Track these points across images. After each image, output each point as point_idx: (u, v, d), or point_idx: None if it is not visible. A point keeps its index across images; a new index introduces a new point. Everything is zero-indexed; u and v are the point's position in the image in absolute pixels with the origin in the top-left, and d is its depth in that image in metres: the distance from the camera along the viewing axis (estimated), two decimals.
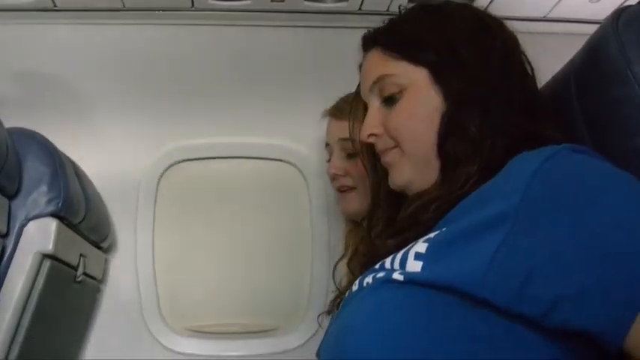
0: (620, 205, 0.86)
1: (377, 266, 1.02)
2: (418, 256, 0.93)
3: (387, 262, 0.99)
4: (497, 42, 1.16)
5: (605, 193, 0.87)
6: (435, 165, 1.14)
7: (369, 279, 1.01)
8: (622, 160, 0.98)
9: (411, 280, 0.91)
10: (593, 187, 0.88)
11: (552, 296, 0.82)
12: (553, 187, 0.87)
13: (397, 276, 0.93)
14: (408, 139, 1.18)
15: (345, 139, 1.80)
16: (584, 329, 0.82)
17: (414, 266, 0.92)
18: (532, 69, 1.18)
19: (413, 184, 1.18)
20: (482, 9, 1.24)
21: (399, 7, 1.31)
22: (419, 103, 1.17)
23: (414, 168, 1.17)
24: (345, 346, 0.93)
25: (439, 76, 1.15)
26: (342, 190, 1.88)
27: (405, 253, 0.96)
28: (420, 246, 0.94)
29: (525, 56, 1.19)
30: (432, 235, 0.96)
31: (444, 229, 0.95)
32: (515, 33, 1.21)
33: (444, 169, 1.12)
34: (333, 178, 1.89)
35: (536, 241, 0.85)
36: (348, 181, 1.85)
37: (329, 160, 1.94)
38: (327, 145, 1.96)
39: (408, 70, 1.19)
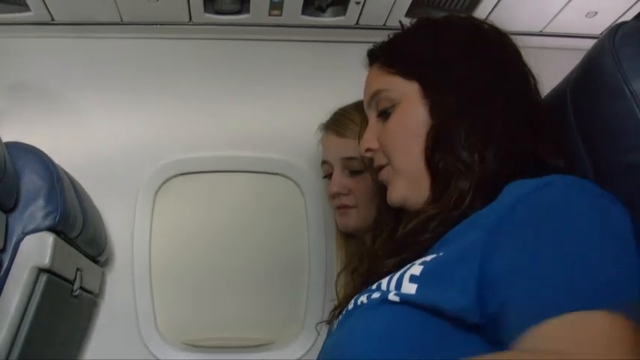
0: (577, 248, 0.85)
1: (373, 286, 1.02)
2: (413, 279, 0.94)
3: (384, 282, 1.00)
4: (493, 56, 1.16)
5: (571, 235, 0.86)
6: (426, 180, 1.14)
7: (363, 298, 1.02)
8: (617, 175, 0.99)
9: (405, 301, 0.92)
10: (562, 225, 0.87)
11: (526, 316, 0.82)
12: (527, 216, 0.89)
13: (393, 297, 0.94)
14: (398, 154, 1.19)
15: (348, 158, 1.79)
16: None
17: (409, 288, 0.93)
18: (535, 82, 1.18)
19: (408, 200, 1.19)
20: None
21: (400, 22, 1.32)
22: (407, 117, 1.19)
23: (407, 184, 1.18)
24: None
25: (428, 90, 1.16)
26: (341, 207, 1.86)
27: (401, 274, 0.97)
28: (416, 268, 0.95)
29: (529, 69, 1.19)
30: (428, 258, 0.97)
31: (440, 253, 0.96)
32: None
33: (436, 185, 1.13)
34: (334, 196, 1.85)
35: (498, 265, 0.86)
36: (350, 200, 1.82)
37: (325, 177, 1.92)
38: (324, 162, 1.92)
39: (400, 85, 1.20)
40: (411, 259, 1.00)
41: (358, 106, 1.79)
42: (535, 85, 1.19)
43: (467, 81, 1.13)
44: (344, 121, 1.82)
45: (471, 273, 0.87)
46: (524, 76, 1.18)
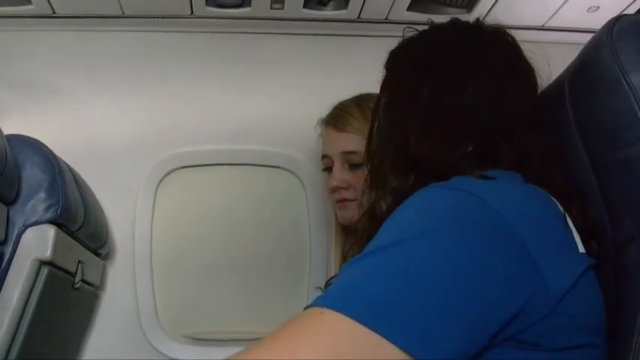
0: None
1: None
2: None
3: None
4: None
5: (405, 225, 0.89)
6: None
7: None
8: (615, 170, 0.99)
9: None
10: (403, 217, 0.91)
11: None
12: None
13: None
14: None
15: (348, 152, 1.80)
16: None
17: None
18: (533, 90, 1.17)
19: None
20: (481, 18, 1.23)
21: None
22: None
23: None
24: None
25: (380, 95, 1.22)
26: (341, 201, 1.85)
27: None
28: None
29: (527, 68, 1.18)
30: None
31: None
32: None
33: (374, 189, 1.15)
34: (334, 190, 1.84)
35: None
36: (350, 194, 1.80)
37: (325, 170, 1.92)
38: (324, 156, 1.91)
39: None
40: None
41: (358, 101, 1.79)
42: (534, 88, 1.18)
43: (394, 99, 1.18)
44: (343, 116, 1.82)
45: None
46: (521, 76, 1.16)
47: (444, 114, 1.08)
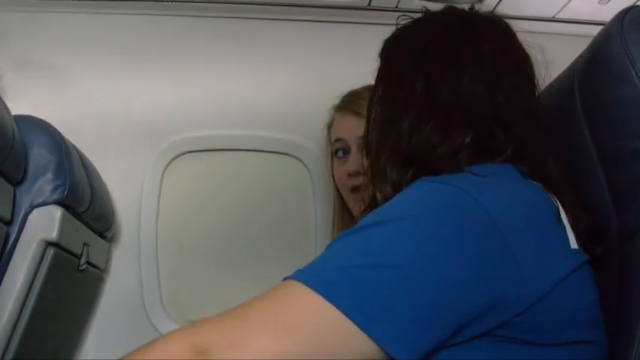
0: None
1: None
2: None
3: None
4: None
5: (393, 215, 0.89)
6: None
7: None
8: (623, 161, 0.98)
9: None
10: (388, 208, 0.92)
11: None
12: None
13: None
14: None
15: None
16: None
17: None
18: (530, 79, 1.16)
19: None
20: (490, 9, 1.23)
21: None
22: None
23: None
24: None
25: (375, 87, 1.22)
26: (358, 191, 1.82)
27: None
28: None
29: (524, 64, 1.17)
30: None
31: None
32: (519, 32, 1.19)
33: (374, 180, 1.15)
34: (352, 175, 1.84)
35: None
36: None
37: (336, 153, 1.91)
38: (338, 140, 1.91)
39: None
40: None
41: (371, 88, 1.79)
42: (532, 83, 1.17)
43: (386, 94, 1.18)
44: (361, 102, 1.82)
45: None
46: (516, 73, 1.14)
47: (438, 105, 1.07)
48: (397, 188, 1.03)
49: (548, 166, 1.03)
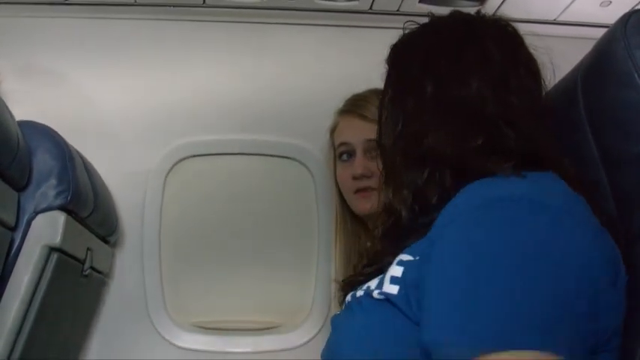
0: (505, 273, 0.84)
1: (364, 287, 1.04)
2: (394, 280, 0.95)
3: (373, 283, 1.01)
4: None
5: (504, 260, 0.85)
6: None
7: (349, 297, 1.06)
8: (626, 165, 0.98)
9: (389, 300, 0.94)
10: (499, 246, 0.86)
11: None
12: (465, 228, 0.89)
13: (377, 295, 0.96)
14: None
15: (371, 140, 1.80)
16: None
17: (391, 289, 0.94)
18: (537, 80, 1.16)
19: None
20: (493, 10, 1.23)
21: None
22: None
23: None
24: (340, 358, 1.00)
25: (385, 90, 1.21)
26: (362, 191, 1.85)
27: (382, 276, 0.99)
28: (396, 269, 0.96)
29: (532, 66, 1.17)
30: (404, 257, 0.97)
31: (417, 257, 0.96)
32: (524, 35, 1.20)
33: (389, 183, 1.14)
34: (357, 178, 1.84)
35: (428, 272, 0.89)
36: (373, 183, 1.80)
37: (341, 157, 1.92)
38: (343, 144, 1.91)
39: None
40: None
41: (378, 93, 1.80)
42: (538, 84, 1.17)
43: (400, 89, 1.17)
44: (367, 105, 1.83)
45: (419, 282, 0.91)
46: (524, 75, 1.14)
47: (449, 107, 1.07)
48: (413, 189, 1.04)
49: (565, 166, 1.03)
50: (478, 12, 1.22)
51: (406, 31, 1.23)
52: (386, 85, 1.21)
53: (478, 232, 0.87)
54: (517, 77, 1.11)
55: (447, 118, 1.06)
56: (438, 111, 1.08)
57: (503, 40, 1.15)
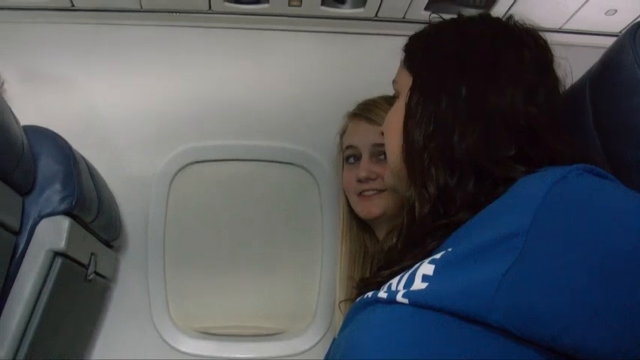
0: (630, 228, 0.83)
1: (384, 287, 1.02)
2: (425, 278, 0.93)
3: (394, 282, 0.99)
4: (483, 63, 1.13)
5: (616, 217, 0.84)
6: (405, 177, 1.16)
7: (368, 295, 1.02)
8: (635, 170, 0.98)
9: (415, 302, 0.91)
10: (603, 211, 0.85)
11: (563, 320, 0.81)
12: (564, 210, 0.85)
13: (401, 298, 0.93)
14: (386, 145, 1.24)
15: (378, 144, 1.81)
16: (592, 354, 0.81)
17: (420, 287, 0.92)
18: (559, 92, 1.16)
19: (398, 191, 1.22)
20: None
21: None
22: (395, 110, 1.22)
23: (394, 178, 1.22)
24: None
25: (414, 85, 1.17)
26: (367, 194, 1.85)
27: (411, 274, 0.96)
28: (427, 267, 0.94)
29: (545, 70, 1.16)
30: (437, 255, 0.95)
31: (449, 249, 0.95)
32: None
33: (413, 184, 1.12)
34: (362, 181, 1.85)
35: (547, 264, 0.83)
36: (378, 185, 1.82)
37: (347, 159, 1.92)
38: (349, 147, 1.92)
39: (403, 76, 1.23)
40: (419, 259, 0.99)
41: (387, 99, 1.81)
42: (555, 86, 1.16)
43: (436, 83, 1.14)
44: (375, 110, 1.85)
45: (499, 269, 0.85)
46: (531, 85, 1.12)
47: (483, 113, 1.07)
48: (442, 193, 1.04)
49: None
50: (510, 17, 1.21)
51: (433, 24, 1.24)
52: (415, 76, 1.19)
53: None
54: (546, 88, 1.11)
55: (481, 124, 1.06)
56: (472, 116, 1.07)
57: (537, 49, 1.16)
